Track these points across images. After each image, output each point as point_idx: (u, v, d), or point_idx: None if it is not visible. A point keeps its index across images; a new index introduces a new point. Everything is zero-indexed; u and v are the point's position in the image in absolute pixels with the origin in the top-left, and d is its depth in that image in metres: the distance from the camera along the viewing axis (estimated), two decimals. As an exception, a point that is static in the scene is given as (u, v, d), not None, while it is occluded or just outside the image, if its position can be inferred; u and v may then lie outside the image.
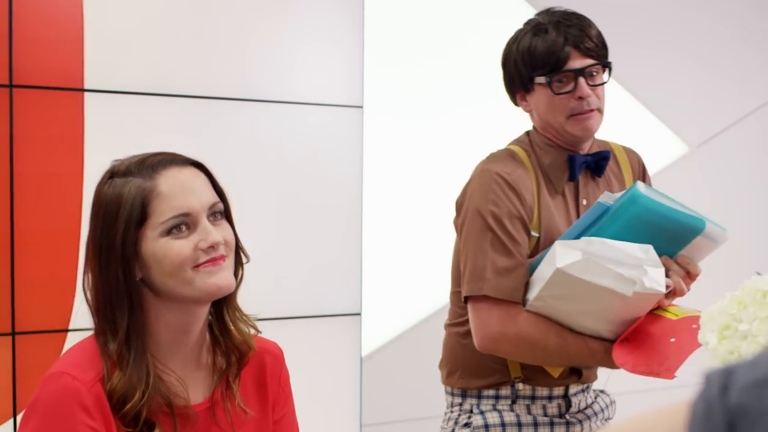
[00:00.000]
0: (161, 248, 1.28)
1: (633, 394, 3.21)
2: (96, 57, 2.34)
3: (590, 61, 1.80)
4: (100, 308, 1.31)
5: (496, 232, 1.77)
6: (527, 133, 1.92)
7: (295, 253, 2.64)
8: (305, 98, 2.64)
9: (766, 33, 3.74)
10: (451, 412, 1.93)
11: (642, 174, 1.98)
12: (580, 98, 1.79)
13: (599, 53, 1.83)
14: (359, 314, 2.74)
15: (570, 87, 1.79)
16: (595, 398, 1.98)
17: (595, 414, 1.95)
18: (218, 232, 1.31)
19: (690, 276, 1.75)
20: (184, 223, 1.29)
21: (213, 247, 1.30)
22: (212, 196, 1.33)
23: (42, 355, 2.23)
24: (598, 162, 1.87)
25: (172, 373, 1.32)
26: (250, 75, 2.57)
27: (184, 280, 1.29)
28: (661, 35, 3.50)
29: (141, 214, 1.28)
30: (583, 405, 1.93)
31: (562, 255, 1.66)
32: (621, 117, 3.44)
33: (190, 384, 1.35)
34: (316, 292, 2.67)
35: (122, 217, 1.28)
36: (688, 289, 1.76)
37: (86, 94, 2.34)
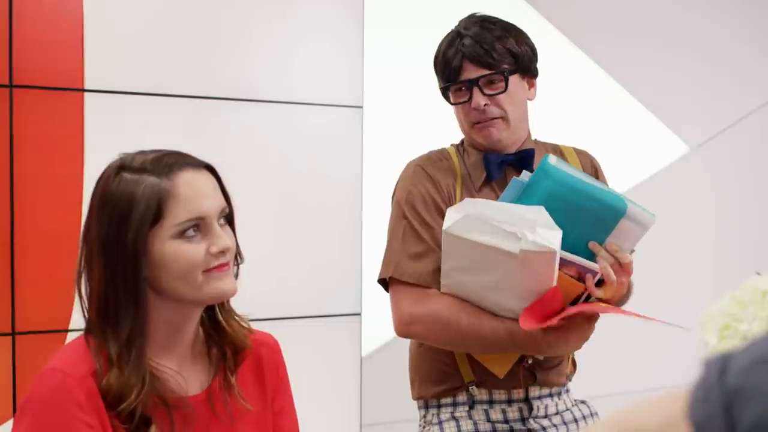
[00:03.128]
0: (173, 250, 1.27)
1: (614, 397, 3.21)
2: (96, 57, 2.34)
3: (483, 72, 1.81)
4: (102, 306, 1.28)
5: (410, 219, 1.82)
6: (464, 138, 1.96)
7: (295, 254, 2.64)
8: (305, 98, 2.64)
9: (766, 33, 3.74)
10: (419, 426, 1.93)
11: (594, 175, 1.95)
12: (475, 109, 1.81)
13: (496, 62, 1.81)
14: (359, 314, 2.74)
15: (466, 97, 1.83)
16: (570, 407, 1.92)
17: (566, 423, 1.88)
18: (228, 238, 1.32)
19: (622, 267, 1.69)
20: (196, 227, 1.29)
21: (223, 252, 1.30)
22: (222, 201, 1.33)
23: (42, 355, 2.22)
24: (522, 160, 1.86)
25: (168, 369, 1.32)
26: (250, 75, 2.57)
27: (192, 284, 1.29)
28: (661, 35, 3.50)
29: (155, 214, 1.26)
30: (552, 411, 1.87)
31: (448, 217, 1.66)
32: (621, 117, 3.45)
33: (187, 377, 1.35)
34: (316, 292, 2.67)
35: (136, 214, 1.26)
36: (623, 281, 1.70)
37: (86, 94, 2.34)
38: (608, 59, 3.36)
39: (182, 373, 1.34)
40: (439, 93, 1.95)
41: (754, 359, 0.62)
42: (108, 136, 2.34)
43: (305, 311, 2.66)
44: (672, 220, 3.42)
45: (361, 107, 2.73)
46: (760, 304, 1.17)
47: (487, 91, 1.81)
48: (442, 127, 2.57)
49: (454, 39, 1.84)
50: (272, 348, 1.47)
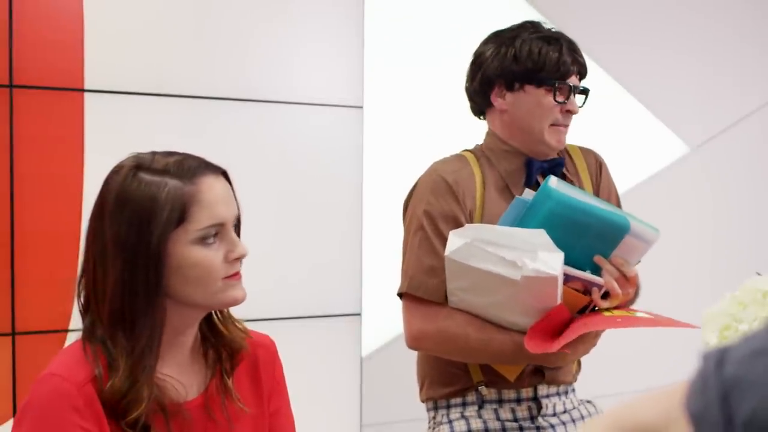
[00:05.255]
0: (192, 255, 1.26)
1: (615, 397, 3.20)
2: (96, 57, 2.34)
3: (578, 83, 1.90)
4: (116, 308, 1.25)
5: (427, 232, 1.81)
6: (479, 145, 1.95)
7: (296, 253, 2.64)
8: (305, 98, 2.64)
9: (766, 32, 3.74)
10: (428, 427, 1.94)
11: (599, 172, 1.98)
12: (569, 112, 1.87)
13: (586, 78, 1.93)
14: (359, 314, 2.74)
15: (565, 99, 1.87)
16: (577, 405, 1.93)
17: (573, 421, 1.90)
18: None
19: (628, 280, 1.72)
20: (216, 233, 1.28)
21: (239, 258, 1.30)
22: (236, 208, 1.33)
23: (42, 355, 2.23)
24: (553, 168, 1.88)
25: (168, 375, 1.31)
26: (250, 75, 2.57)
27: (210, 290, 1.28)
28: (661, 34, 3.50)
29: (179, 218, 1.25)
30: (559, 409, 1.89)
31: (451, 243, 1.67)
32: (621, 116, 3.44)
33: (185, 381, 1.34)
34: (316, 292, 2.67)
35: (160, 218, 1.24)
36: (630, 294, 1.74)
37: (86, 94, 2.34)
38: (608, 58, 3.36)
39: (180, 377, 1.33)
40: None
41: (752, 350, 0.62)
42: (108, 136, 2.34)
43: (305, 311, 2.66)
44: (671, 221, 3.41)
45: (362, 107, 2.72)
46: (760, 305, 1.17)
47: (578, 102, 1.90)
48: (442, 126, 2.58)
49: (568, 45, 1.87)
50: (268, 348, 1.46)
